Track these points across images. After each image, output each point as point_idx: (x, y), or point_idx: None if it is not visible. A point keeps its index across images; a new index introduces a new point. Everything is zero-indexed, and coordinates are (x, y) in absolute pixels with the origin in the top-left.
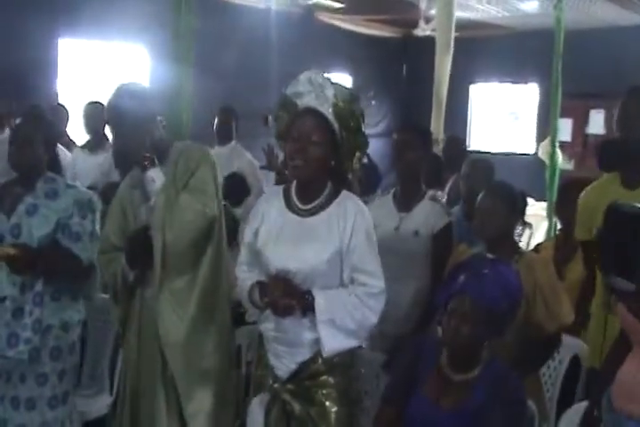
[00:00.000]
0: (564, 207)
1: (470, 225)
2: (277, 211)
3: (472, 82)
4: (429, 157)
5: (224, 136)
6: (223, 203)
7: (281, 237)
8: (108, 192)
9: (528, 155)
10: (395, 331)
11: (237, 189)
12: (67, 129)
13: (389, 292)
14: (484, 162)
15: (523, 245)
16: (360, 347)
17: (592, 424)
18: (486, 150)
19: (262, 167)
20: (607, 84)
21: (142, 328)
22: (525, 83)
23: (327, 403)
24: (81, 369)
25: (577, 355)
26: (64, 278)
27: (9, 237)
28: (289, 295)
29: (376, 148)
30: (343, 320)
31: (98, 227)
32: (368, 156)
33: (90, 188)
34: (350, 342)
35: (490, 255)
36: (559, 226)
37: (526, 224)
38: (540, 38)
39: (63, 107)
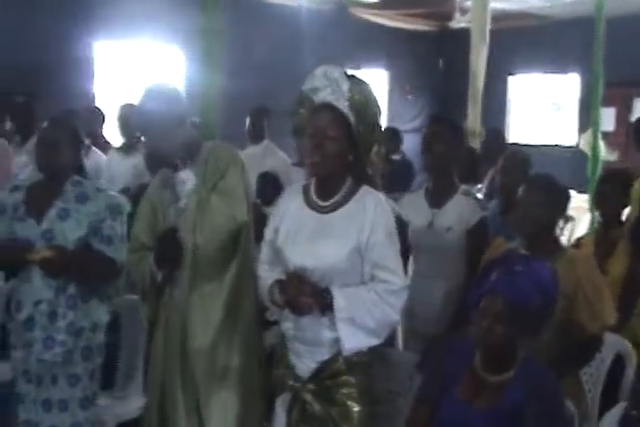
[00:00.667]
0: (602, 199)
1: (506, 220)
2: (297, 208)
3: (511, 73)
4: (462, 150)
5: (257, 135)
6: (255, 201)
7: (300, 234)
8: (139, 194)
9: (570, 147)
10: (427, 330)
11: (269, 189)
12: (103, 131)
13: (422, 290)
14: (521, 154)
15: (564, 239)
16: (391, 346)
17: (630, 424)
18: (526, 143)
19: (295, 164)
20: None
21: (169, 330)
22: (565, 73)
23: (348, 402)
24: (116, 370)
25: (619, 353)
26: (98, 280)
27: (41, 241)
28: (306, 294)
29: (412, 143)
30: (363, 318)
31: (126, 229)
32: (402, 152)
33: (123, 189)
34: (370, 341)
35: (524, 252)
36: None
37: (568, 218)
38: (579, 27)
39: (99, 109)
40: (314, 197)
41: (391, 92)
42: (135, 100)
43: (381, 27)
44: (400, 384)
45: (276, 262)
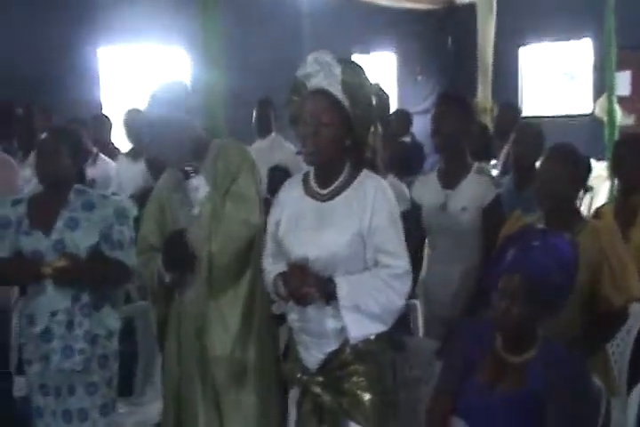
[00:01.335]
0: (620, 165)
1: (523, 193)
2: (297, 198)
3: (522, 44)
4: (474, 128)
5: (263, 129)
6: (266, 196)
7: (300, 224)
8: (144, 196)
9: (585, 115)
10: (445, 314)
11: (280, 182)
12: (111, 138)
13: (438, 273)
14: (533, 127)
15: (584, 209)
16: (409, 334)
17: None
18: (540, 115)
19: (298, 153)
20: None
21: (182, 336)
22: (578, 38)
23: (359, 392)
24: (133, 377)
25: None
26: (112, 286)
27: (52, 252)
28: (309, 284)
29: (423, 125)
30: (367, 305)
31: (133, 233)
32: (412, 134)
33: (132, 195)
34: (377, 327)
35: (540, 226)
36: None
37: (588, 188)
38: None
39: (106, 116)
40: (313, 186)
41: (400, 74)
42: (142, 105)
43: (386, 9)
44: (421, 371)
45: (279, 255)
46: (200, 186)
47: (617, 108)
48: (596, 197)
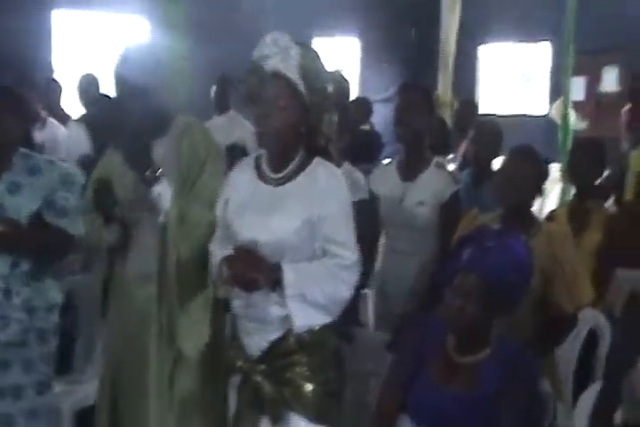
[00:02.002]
0: (576, 170)
1: (478, 190)
2: (248, 181)
3: (483, 42)
4: (434, 121)
5: (222, 106)
6: None
7: (250, 207)
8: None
9: (540, 116)
10: (399, 307)
11: (238, 161)
12: (61, 103)
13: (394, 267)
14: (493, 126)
15: (535, 209)
16: (361, 326)
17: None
18: (496, 113)
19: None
20: (620, 38)
21: (127, 325)
22: (537, 41)
23: (300, 382)
24: (72, 354)
25: (593, 328)
26: (54, 255)
27: None
28: (255, 269)
29: (384, 114)
30: (313, 295)
31: (82, 201)
32: (370, 122)
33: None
34: (322, 318)
35: (497, 227)
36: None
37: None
38: None
39: (56, 81)
40: (266, 170)
41: (364, 61)
42: (96, 70)
43: None
44: (371, 364)
45: (228, 239)
46: (164, 193)
47: (571, 112)
48: (547, 199)
